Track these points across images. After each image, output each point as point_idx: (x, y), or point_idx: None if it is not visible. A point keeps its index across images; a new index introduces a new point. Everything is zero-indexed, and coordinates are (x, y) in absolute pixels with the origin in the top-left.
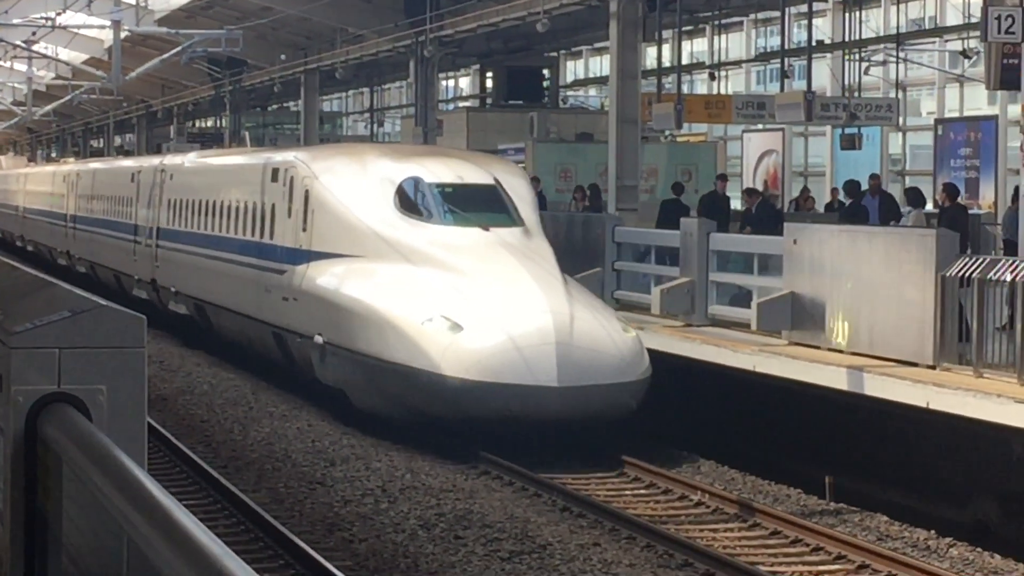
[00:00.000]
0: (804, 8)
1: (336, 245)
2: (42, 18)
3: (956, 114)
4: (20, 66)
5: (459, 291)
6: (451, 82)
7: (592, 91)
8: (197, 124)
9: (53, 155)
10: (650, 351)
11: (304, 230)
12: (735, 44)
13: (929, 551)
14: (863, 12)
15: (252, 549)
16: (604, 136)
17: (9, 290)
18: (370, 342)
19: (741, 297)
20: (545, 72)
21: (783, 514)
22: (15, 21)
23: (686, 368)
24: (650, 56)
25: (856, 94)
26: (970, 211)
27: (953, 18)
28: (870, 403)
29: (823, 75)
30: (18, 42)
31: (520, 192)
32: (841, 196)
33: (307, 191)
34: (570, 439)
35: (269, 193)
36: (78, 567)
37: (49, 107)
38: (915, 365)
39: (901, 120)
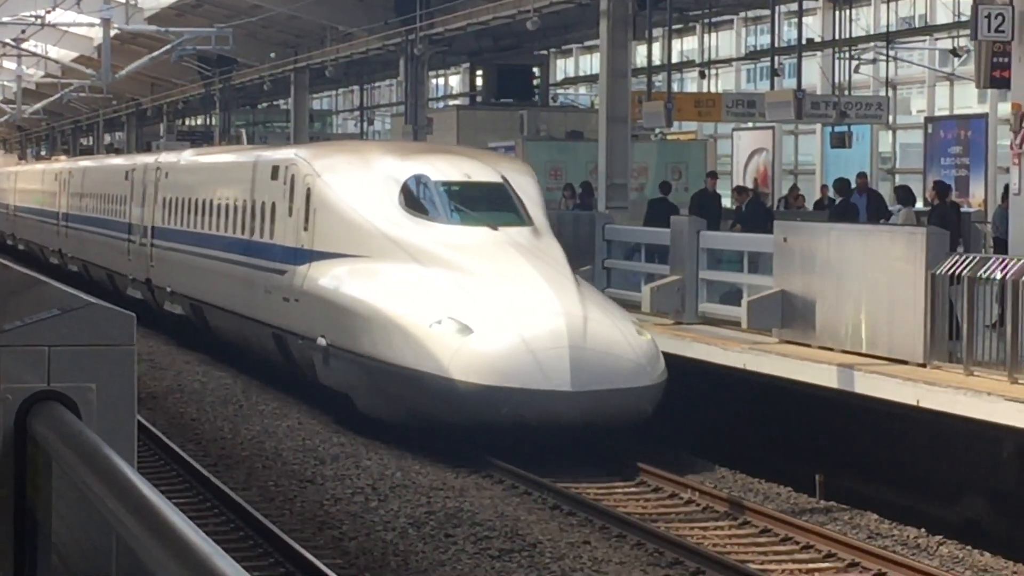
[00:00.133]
0: (794, 6)
1: (339, 245)
2: (32, 16)
3: (946, 112)
4: (10, 64)
5: (468, 292)
6: (441, 80)
7: (582, 89)
8: (187, 122)
9: (43, 153)
10: None
11: (305, 229)
12: (725, 42)
13: (919, 549)
14: (853, 10)
15: (242, 547)
16: (594, 134)
17: None
18: (376, 345)
19: (732, 295)
20: (535, 70)
21: (773, 512)
22: (5, 19)
23: (676, 366)
24: (640, 54)
25: (846, 92)
26: (961, 209)
27: (943, 16)
28: (860, 401)
29: (813, 73)
30: (8, 40)
31: (528, 191)
32: (831, 193)
33: (309, 189)
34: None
35: (269, 191)
36: (67, 565)
37: (39, 105)
38: (905, 363)
39: (891, 118)
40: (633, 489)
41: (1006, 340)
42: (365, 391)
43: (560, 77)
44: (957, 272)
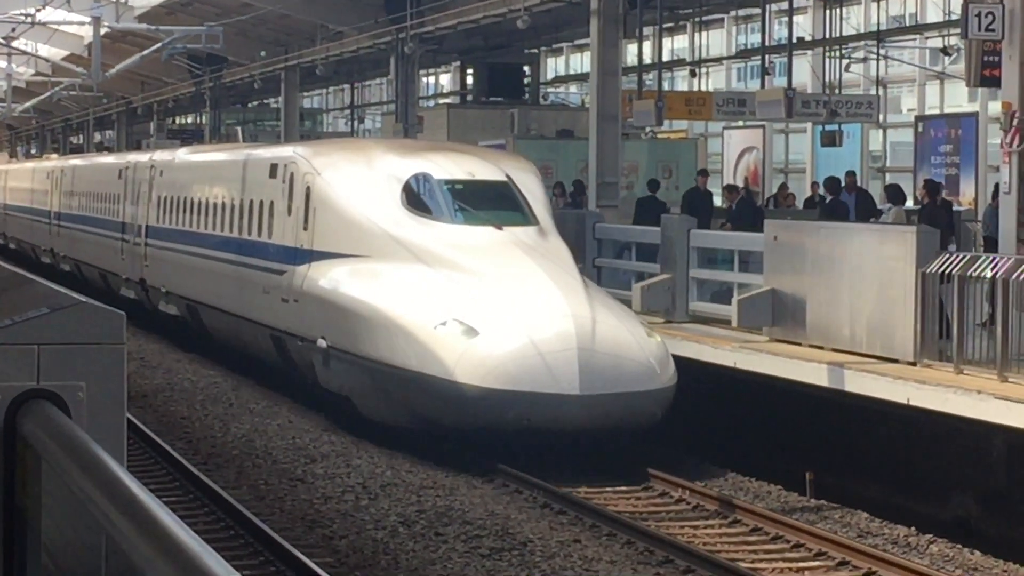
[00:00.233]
0: (785, 5)
1: (339, 244)
2: (22, 14)
3: (936, 111)
4: None
5: (473, 293)
6: (432, 79)
7: (573, 88)
8: (177, 120)
9: (33, 151)
10: None
11: (305, 229)
12: (716, 41)
13: (909, 547)
14: (843, 9)
15: (233, 546)
16: (585, 133)
17: None
18: (378, 347)
19: (723, 293)
20: (526, 69)
21: (763, 511)
22: None
23: None
24: (631, 53)
25: (836, 91)
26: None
27: (934, 15)
28: (851, 399)
29: (804, 72)
30: None
31: (532, 189)
32: (821, 192)
33: (308, 188)
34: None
35: (267, 190)
36: (58, 564)
37: (29, 103)
38: (896, 362)
39: (881, 117)
40: (623, 487)
41: (996, 338)
42: (367, 394)
43: (551, 76)
44: (947, 271)
